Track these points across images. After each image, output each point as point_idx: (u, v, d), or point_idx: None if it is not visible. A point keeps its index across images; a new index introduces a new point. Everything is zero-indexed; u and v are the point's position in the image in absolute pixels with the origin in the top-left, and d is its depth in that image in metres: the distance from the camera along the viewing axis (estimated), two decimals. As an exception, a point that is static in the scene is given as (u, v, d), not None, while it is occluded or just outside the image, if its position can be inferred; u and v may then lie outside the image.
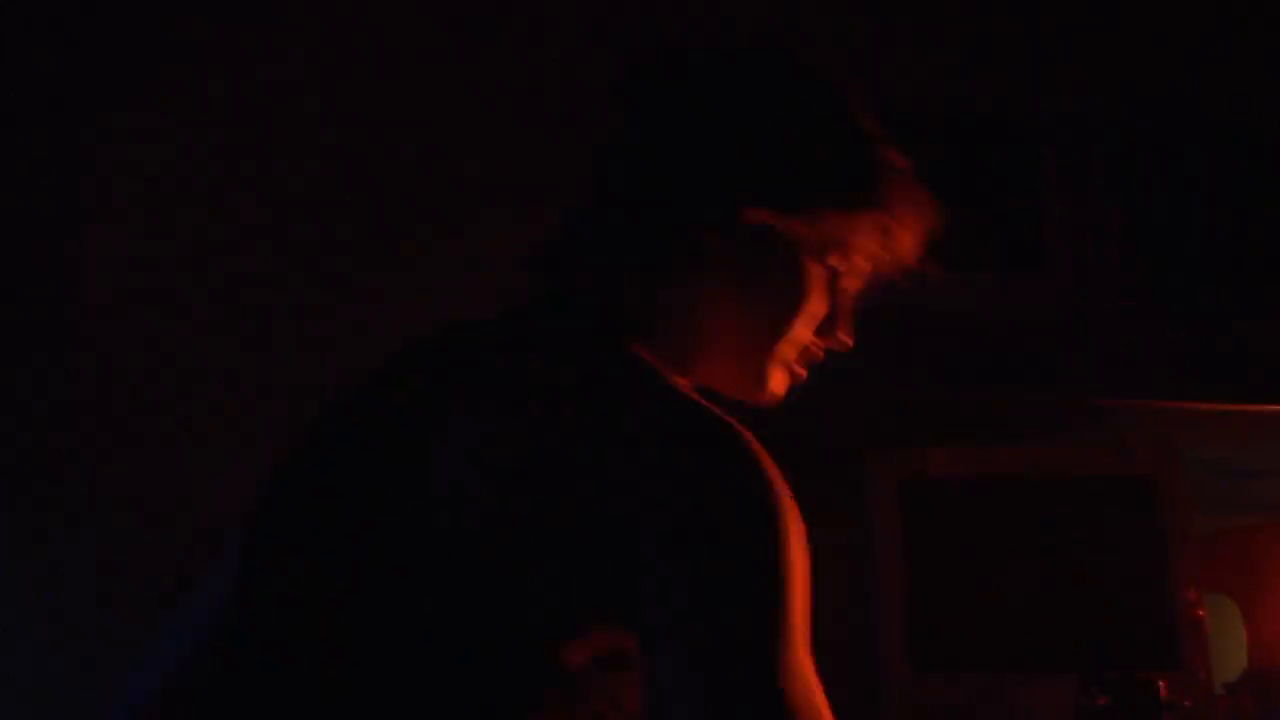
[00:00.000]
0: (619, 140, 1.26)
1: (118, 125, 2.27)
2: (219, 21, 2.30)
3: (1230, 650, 2.27)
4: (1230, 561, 2.28)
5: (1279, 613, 2.23)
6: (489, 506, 1.05)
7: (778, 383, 1.28)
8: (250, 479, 1.27)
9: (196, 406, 2.25)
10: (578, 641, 1.04)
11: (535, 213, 1.32)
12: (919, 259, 1.33)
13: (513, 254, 1.32)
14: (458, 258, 2.23)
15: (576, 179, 1.27)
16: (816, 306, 1.27)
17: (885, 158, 1.27)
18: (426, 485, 1.08)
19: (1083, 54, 2.41)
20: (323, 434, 1.22)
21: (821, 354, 1.31)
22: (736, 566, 0.99)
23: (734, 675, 0.96)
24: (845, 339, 1.31)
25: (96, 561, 2.21)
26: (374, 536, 1.10)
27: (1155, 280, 2.32)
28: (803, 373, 1.30)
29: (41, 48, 2.28)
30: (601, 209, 1.25)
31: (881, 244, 1.29)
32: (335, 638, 1.09)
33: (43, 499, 2.23)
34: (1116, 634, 2.10)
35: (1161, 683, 1.85)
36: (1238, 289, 2.32)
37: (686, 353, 1.24)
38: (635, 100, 1.26)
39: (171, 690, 1.25)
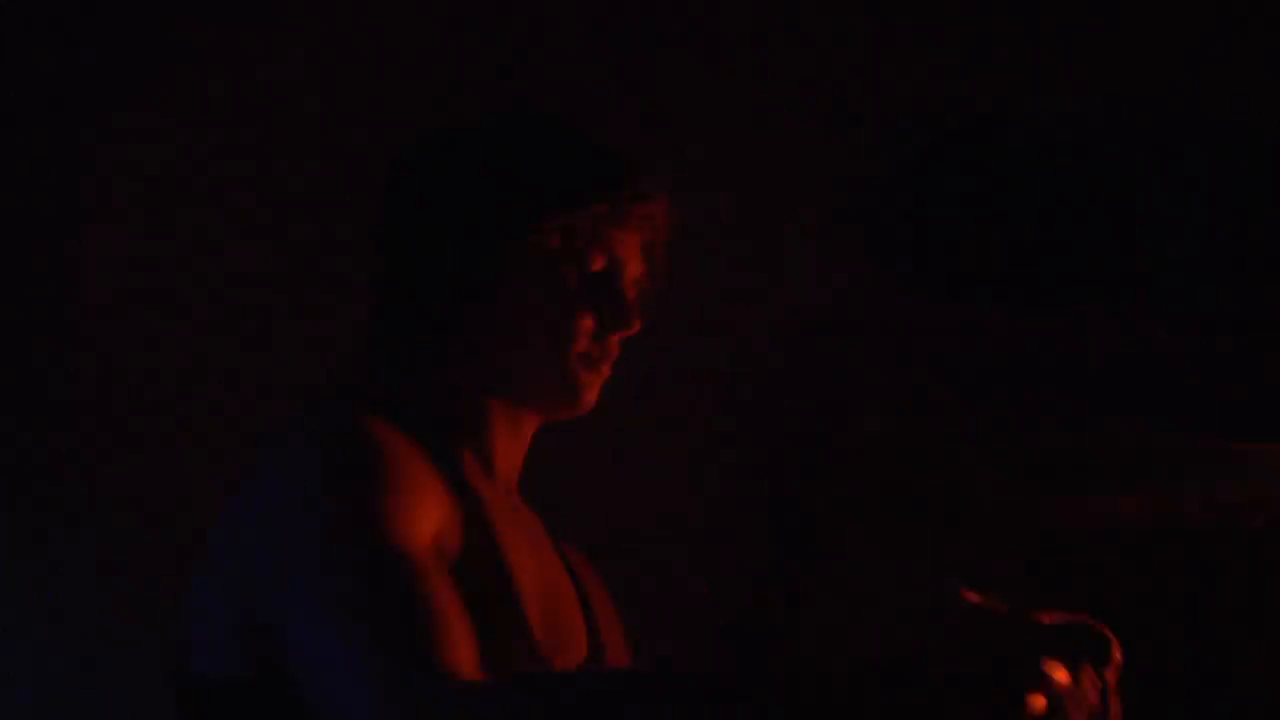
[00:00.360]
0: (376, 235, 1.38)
1: (118, 125, 2.27)
2: (219, 21, 2.30)
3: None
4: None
5: None
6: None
7: (587, 387, 1.34)
8: (250, 479, 1.27)
9: (196, 406, 2.25)
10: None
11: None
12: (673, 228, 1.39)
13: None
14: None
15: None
16: (582, 308, 1.32)
17: (584, 156, 1.33)
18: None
19: (1083, 54, 2.41)
20: None
21: (617, 346, 1.36)
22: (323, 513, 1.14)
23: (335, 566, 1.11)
24: (629, 325, 1.35)
25: (96, 561, 2.21)
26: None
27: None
28: (607, 370, 1.36)
29: (41, 48, 2.27)
30: (374, 295, 1.38)
31: (626, 225, 1.34)
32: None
33: (43, 499, 2.23)
34: (1272, 693, 2.03)
35: None
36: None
37: (503, 395, 1.33)
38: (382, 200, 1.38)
39: None
